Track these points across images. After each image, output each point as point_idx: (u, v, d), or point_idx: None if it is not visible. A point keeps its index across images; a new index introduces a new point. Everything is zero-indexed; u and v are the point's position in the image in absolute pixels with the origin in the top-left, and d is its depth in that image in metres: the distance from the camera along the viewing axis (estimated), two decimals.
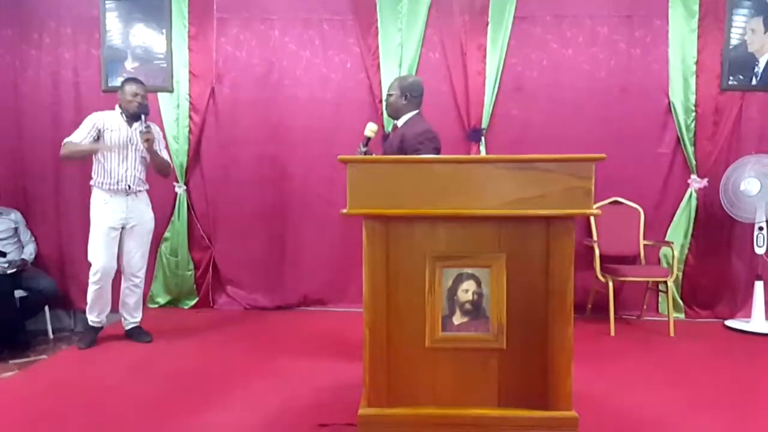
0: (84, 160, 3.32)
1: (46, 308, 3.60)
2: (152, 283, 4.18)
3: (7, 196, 3.95)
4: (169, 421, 2.26)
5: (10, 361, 3.07)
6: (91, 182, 3.25)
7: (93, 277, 3.19)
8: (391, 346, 1.97)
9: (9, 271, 3.39)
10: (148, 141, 3.15)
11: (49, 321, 3.63)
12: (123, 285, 3.35)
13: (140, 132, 3.16)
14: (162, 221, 4.14)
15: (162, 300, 4.20)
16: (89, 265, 3.21)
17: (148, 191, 3.40)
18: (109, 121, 3.21)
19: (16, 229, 3.73)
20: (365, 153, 2.79)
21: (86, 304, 3.27)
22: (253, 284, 4.17)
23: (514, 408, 1.95)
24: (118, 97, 3.27)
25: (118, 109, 3.27)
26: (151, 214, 3.41)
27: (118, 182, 3.19)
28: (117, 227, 3.22)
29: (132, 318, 3.39)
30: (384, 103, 2.88)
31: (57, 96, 4.06)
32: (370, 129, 2.80)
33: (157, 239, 4.15)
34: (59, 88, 4.08)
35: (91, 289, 3.22)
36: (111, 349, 3.21)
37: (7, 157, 4.07)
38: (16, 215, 3.79)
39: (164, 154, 3.40)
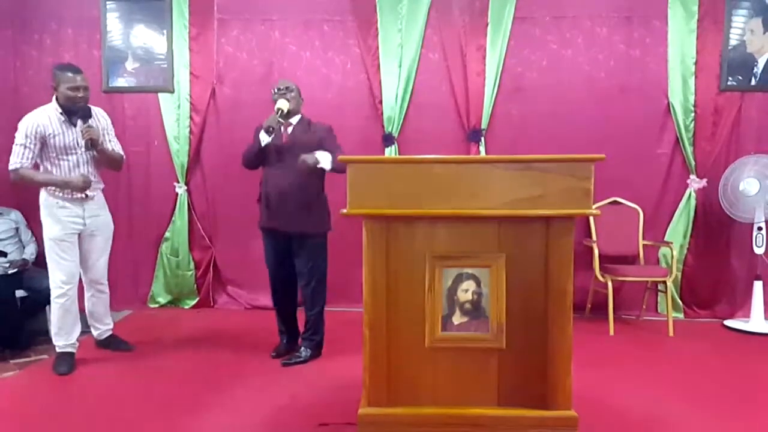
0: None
1: (47, 308, 3.59)
2: (153, 283, 4.20)
3: (8, 196, 3.95)
4: (169, 421, 2.27)
5: (11, 361, 3.07)
6: (41, 187, 2.86)
7: (57, 290, 2.82)
8: (391, 346, 1.98)
9: (10, 271, 3.39)
10: (92, 140, 2.78)
11: (49, 321, 3.61)
12: (87, 294, 3.08)
13: (81, 131, 2.78)
14: (162, 221, 4.17)
15: (162, 300, 4.21)
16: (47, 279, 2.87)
17: (103, 190, 3.05)
18: (50, 125, 2.75)
19: (16, 229, 3.73)
20: (278, 120, 2.83)
21: (57, 323, 2.87)
22: (254, 284, 4.17)
23: (513, 407, 1.96)
24: (53, 88, 2.77)
25: (54, 105, 2.78)
26: (109, 216, 3.09)
27: (72, 191, 2.84)
28: (75, 233, 2.88)
29: (104, 325, 3.17)
30: (287, 104, 2.85)
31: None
32: (282, 103, 2.84)
33: (157, 239, 4.17)
34: None
35: (56, 306, 2.83)
36: (111, 350, 3.21)
37: (8, 157, 4.07)
38: (16, 215, 3.79)
39: (114, 146, 3.00)
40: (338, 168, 2.69)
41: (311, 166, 2.74)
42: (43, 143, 2.78)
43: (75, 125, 2.83)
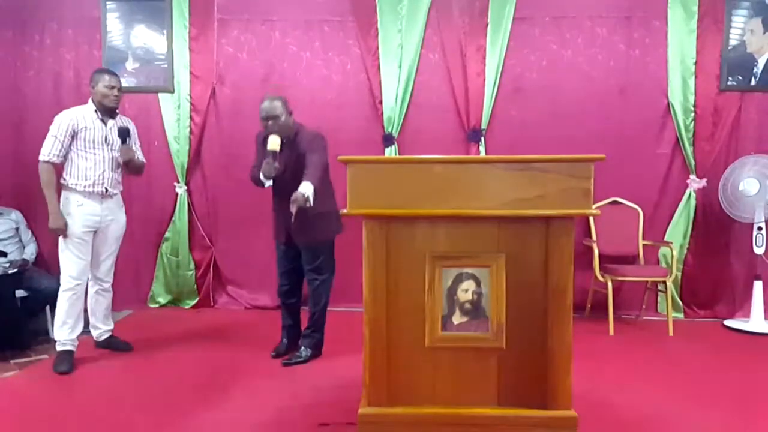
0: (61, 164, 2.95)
1: (47, 308, 3.60)
2: (153, 282, 4.20)
3: (8, 196, 3.96)
4: (169, 421, 2.27)
5: (11, 361, 3.07)
6: (62, 182, 2.96)
7: (67, 284, 2.90)
8: (391, 346, 1.98)
9: (10, 271, 3.39)
10: (130, 160, 3.00)
11: (49, 321, 3.61)
12: (91, 290, 3.13)
13: (119, 149, 2.98)
14: (163, 221, 4.17)
15: (163, 300, 4.21)
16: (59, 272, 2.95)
17: (122, 192, 3.17)
18: (83, 119, 2.93)
19: (17, 229, 3.74)
20: (275, 167, 2.75)
21: (63, 315, 2.90)
22: (254, 284, 4.18)
23: (513, 407, 1.96)
24: (90, 90, 3.00)
25: (91, 105, 2.99)
26: (125, 218, 3.18)
27: (94, 184, 2.94)
28: (91, 231, 2.98)
29: (105, 326, 3.20)
30: (270, 127, 2.80)
31: (58, 97, 4.06)
32: (274, 143, 2.74)
33: (157, 239, 4.18)
34: (60, 89, 4.09)
35: (64, 299, 2.90)
36: (110, 350, 3.21)
37: (9, 157, 4.09)
38: (16, 215, 3.79)
39: (140, 154, 3.17)
40: (317, 186, 2.70)
41: (303, 204, 2.63)
42: (74, 137, 2.92)
43: (106, 124, 3.00)
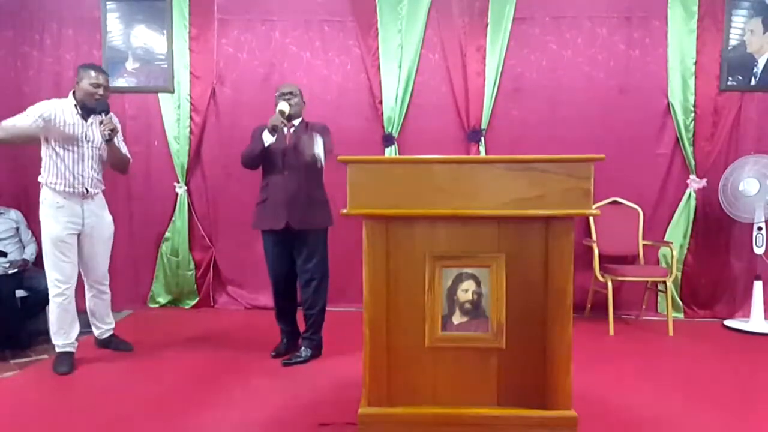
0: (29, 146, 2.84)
1: (47, 308, 3.59)
2: (153, 283, 4.21)
3: (8, 196, 3.96)
4: (169, 421, 2.27)
5: (11, 361, 3.07)
6: (40, 179, 2.83)
7: (54, 290, 2.82)
8: (391, 346, 1.98)
9: (10, 271, 3.39)
10: (113, 131, 2.76)
11: (49, 321, 3.63)
12: (88, 294, 3.08)
13: (100, 122, 2.78)
14: (163, 221, 4.17)
15: (163, 300, 4.22)
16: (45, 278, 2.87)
17: (104, 192, 3.04)
18: (61, 114, 2.78)
19: (17, 229, 3.73)
20: (282, 121, 2.83)
21: (56, 322, 2.87)
22: (254, 284, 4.19)
23: (513, 407, 1.96)
24: (74, 84, 2.85)
25: (71, 99, 2.83)
26: (110, 217, 3.06)
27: (73, 185, 2.81)
28: (74, 233, 2.87)
29: (105, 325, 3.17)
30: (289, 108, 2.89)
31: (58, 97, 4.01)
32: (283, 105, 2.86)
33: (157, 239, 4.18)
34: (61, 89, 4.08)
35: (54, 305, 2.83)
36: (110, 350, 3.21)
37: (8, 157, 4.09)
38: (16, 215, 3.79)
39: (123, 147, 3.02)
40: (324, 153, 2.77)
41: (309, 150, 2.73)
42: (48, 129, 2.77)
43: (86, 120, 2.86)
